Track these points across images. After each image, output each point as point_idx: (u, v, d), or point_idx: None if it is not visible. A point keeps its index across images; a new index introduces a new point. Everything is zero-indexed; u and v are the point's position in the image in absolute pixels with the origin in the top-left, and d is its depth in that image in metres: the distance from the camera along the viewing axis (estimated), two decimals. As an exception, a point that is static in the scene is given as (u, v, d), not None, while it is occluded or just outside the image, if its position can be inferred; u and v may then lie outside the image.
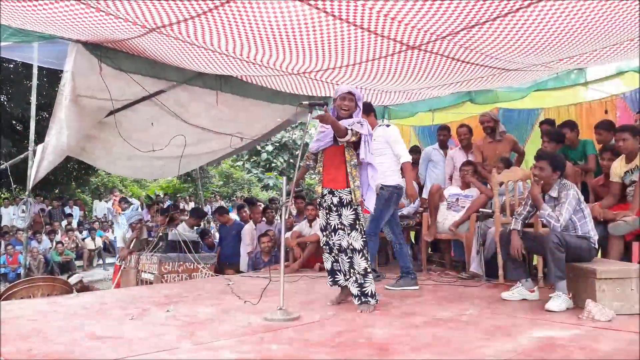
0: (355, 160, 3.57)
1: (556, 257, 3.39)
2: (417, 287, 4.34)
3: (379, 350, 2.52)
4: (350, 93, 3.56)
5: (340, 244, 3.60)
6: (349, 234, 3.52)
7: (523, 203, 3.97)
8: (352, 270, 3.54)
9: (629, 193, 4.28)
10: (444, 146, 6.46)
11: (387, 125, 4.55)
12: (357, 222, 3.53)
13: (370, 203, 3.65)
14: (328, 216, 3.63)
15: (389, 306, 3.61)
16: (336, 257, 3.66)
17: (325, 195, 3.62)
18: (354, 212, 3.53)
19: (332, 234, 3.63)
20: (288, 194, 3.46)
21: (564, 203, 3.57)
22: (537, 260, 4.56)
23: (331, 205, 3.60)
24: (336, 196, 3.56)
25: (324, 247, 3.72)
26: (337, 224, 3.59)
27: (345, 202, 3.53)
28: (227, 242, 7.39)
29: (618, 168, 4.34)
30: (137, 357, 2.42)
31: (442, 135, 6.48)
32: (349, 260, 3.56)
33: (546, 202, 3.71)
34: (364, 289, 3.47)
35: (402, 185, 4.38)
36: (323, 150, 3.64)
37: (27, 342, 2.65)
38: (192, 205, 15.39)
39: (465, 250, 5.08)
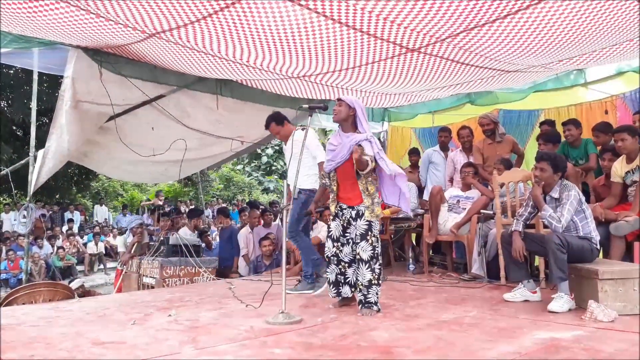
0: (370, 178, 3.55)
1: (558, 258, 3.39)
2: (311, 292, 4.31)
3: (382, 353, 2.52)
4: (339, 99, 3.68)
5: (352, 256, 3.62)
6: (357, 244, 3.52)
7: (524, 204, 3.97)
8: (358, 281, 3.55)
9: (630, 193, 4.28)
10: (444, 148, 6.47)
11: (303, 128, 4.40)
12: (370, 233, 3.51)
13: (406, 206, 3.70)
14: (345, 228, 3.65)
15: (391, 309, 3.61)
16: (343, 270, 3.67)
17: (345, 209, 3.63)
18: (367, 223, 3.52)
19: (346, 245, 3.64)
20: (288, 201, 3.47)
21: (566, 204, 3.57)
22: (538, 261, 4.55)
23: (350, 218, 3.62)
24: (354, 210, 3.59)
25: (332, 257, 3.69)
26: (354, 236, 3.60)
27: (361, 213, 3.54)
28: (221, 245, 7.43)
29: (619, 168, 4.34)
30: (140, 362, 2.42)
31: (442, 137, 6.49)
32: (354, 271, 3.59)
33: (547, 203, 3.71)
34: (368, 299, 3.47)
35: (316, 188, 4.30)
36: (335, 169, 3.65)
37: (30, 349, 2.64)
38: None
39: (467, 252, 5.07)
